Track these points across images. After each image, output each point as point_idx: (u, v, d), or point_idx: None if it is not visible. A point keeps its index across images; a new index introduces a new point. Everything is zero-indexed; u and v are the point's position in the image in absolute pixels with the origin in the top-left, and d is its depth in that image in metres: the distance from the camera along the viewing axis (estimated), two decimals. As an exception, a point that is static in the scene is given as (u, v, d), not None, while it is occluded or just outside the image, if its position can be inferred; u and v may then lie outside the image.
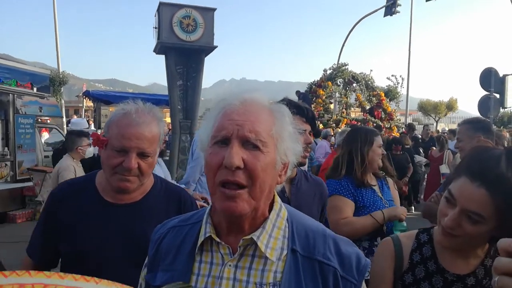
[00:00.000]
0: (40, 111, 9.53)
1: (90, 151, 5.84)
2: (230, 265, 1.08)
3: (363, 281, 1.10)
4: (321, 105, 15.74)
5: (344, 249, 1.11)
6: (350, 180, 2.78)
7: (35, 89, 9.74)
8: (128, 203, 1.75)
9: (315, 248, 1.10)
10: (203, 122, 1.16)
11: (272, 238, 1.09)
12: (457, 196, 1.32)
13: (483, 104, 12.85)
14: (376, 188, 2.87)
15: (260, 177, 1.02)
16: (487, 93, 12.74)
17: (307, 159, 2.13)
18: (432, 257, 1.45)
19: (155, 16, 7.25)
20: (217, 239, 1.10)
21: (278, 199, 1.17)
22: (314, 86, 16.41)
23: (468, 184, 1.30)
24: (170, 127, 8.45)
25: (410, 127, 13.08)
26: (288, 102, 2.11)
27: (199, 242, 1.13)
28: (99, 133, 1.75)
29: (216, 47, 7.33)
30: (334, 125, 14.96)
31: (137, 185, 1.71)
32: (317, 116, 15.09)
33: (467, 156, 1.44)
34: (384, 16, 22.22)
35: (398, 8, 21.30)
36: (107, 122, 1.73)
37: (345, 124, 14.90)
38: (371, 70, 16.90)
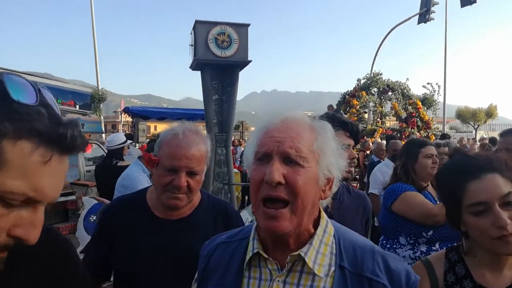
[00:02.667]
0: (83, 127, 9.90)
1: None
2: (278, 281, 1.10)
3: None
4: (355, 115, 15.56)
5: (393, 265, 1.11)
6: (410, 185, 2.94)
7: (77, 106, 10.13)
8: (178, 219, 1.83)
9: (363, 264, 1.10)
10: (248, 141, 1.22)
11: (320, 254, 1.11)
12: (486, 197, 1.30)
13: (526, 111, 12.30)
14: (436, 197, 2.93)
15: (302, 192, 1.04)
16: (530, 99, 12.21)
17: (350, 174, 2.13)
18: (467, 275, 1.42)
19: (191, 34, 7.43)
20: (265, 255, 1.12)
21: (324, 215, 1.18)
22: (347, 96, 16.26)
23: (480, 181, 1.31)
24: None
25: (444, 138, 12.57)
26: (332, 117, 2.12)
27: (247, 258, 1.16)
28: (151, 154, 1.83)
29: (250, 61, 7.43)
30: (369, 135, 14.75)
31: (186, 202, 1.78)
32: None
33: (445, 168, 1.50)
34: (418, 24, 21.84)
35: (432, 15, 20.90)
36: (157, 142, 1.82)
37: (380, 133, 14.65)
38: (407, 79, 16.59)
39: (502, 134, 3.43)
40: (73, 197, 9.10)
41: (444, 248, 2.75)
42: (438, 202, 2.88)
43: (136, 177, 4.59)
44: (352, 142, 2.11)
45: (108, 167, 6.45)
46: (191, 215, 1.87)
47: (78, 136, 0.84)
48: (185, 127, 1.78)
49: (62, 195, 9.24)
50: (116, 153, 6.46)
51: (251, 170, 1.11)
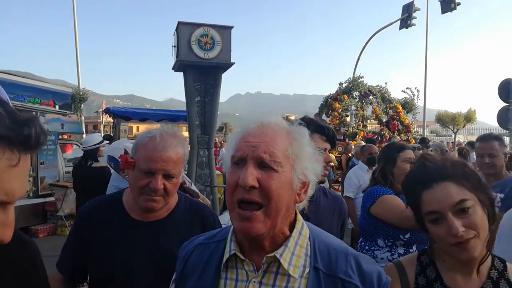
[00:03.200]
0: (62, 128, 9.76)
1: None
2: (254, 282, 1.12)
3: None
4: (337, 118, 15.71)
5: (366, 266, 1.14)
6: (388, 189, 2.99)
7: (57, 106, 9.99)
8: (154, 220, 1.83)
9: (337, 266, 1.13)
10: (227, 144, 1.25)
11: (295, 256, 1.13)
12: (438, 206, 1.33)
13: (503, 116, 12.64)
14: None
15: (275, 196, 1.06)
16: (506, 104, 12.55)
17: (326, 177, 2.16)
18: (438, 278, 1.44)
19: (174, 35, 7.41)
20: (242, 256, 1.15)
21: (300, 218, 1.21)
22: (329, 100, 16.41)
23: (431, 191, 1.35)
24: (188, 142, 8.59)
25: (423, 142, 12.74)
26: (308, 121, 2.15)
27: (224, 259, 1.18)
28: (127, 156, 1.83)
29: (233, 63, 7.44)
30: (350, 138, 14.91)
31: (162, 205, 1.78)
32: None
33: (406, 178, 1.52)
34: (400, 29, 22.16)
35: (413, 21, 21.24)
36: (134, 145, 1.82)
37: (361, 136, 14.83)
38: (385, 83, 16.86)
39: (481, 139, 3.49)
40: (52, 199, 8.97)
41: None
42: None
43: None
44: (328, 146, 2.14)
45: (83, 168, 6.38)
46: (167, 217, 1.87)
47: (41, 133, 0.82)
48: (163, 130, 1.78)
49: (41, 196, 9.11)
50: (91, 154, 6.38)
51: (227, 174, 1.14)
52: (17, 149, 0.79)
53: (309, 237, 1.18)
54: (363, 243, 3.07)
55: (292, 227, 1.17)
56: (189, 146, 7.24)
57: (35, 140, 0.80)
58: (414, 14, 21.17)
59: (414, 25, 21.43)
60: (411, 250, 2.83)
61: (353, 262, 1.14)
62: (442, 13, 20.11)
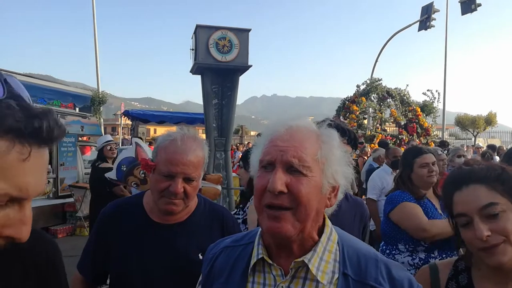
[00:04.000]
0: (82, 130, 9.92)
1: None
2: (282, 287, 1.10)
3: None
4: (355, 121, 15.59)
5: (396, 273, 1.11)
6: (409, 194, 2.96)
7: (77, 109, 10.16)
8: (174, 223, 1.83)
9: (367, 272, 1.10)
10: (254, 148, 1.22)
11: (323, 262, 1.11)
12: (465, 209, 1.30)
13: (526, 119, 12.29)
14: (437, 204, 2.96)
15: (305, 200, 1.05)
16: (529, 107, 12.22)
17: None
18: (468, 286, 1.40)
19: (192, 38, 7.46)
20: (269, 261, 1.13)
21: (329, 223, 1.19)
22: (347, 102, 16.30)
23: (461, 193, 1.32)
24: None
25: (442, 145, 12.47)
26: (329, 124, 2.13)
27: (251, 263, 1.17)
28: (148, 159, 1.84)
29: (250, 66, 7.45)
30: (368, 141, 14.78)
31: (182, 208, 1.78)
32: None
33: (444, 182, 1.47)
34: (419, 31, 21.91)
35: (432, 22, 20.97)
36: (155, 148, 1.83)
37: (379, 139, 14.68)
38: (407, 85, 16.66)
39: None
40: (71, 200, 9.11)
41: (444, 255, 2.79)
42: (439, 213, 2.91)
43: None
44: (349, 149, 2.12)
45: (93, 169, 6.48)
46: (187, 220, 1.87)
47: (55, 126, 0.80)
48: (183, 133, 1.79)
49: (60, 197, 9.27)
50: (99, 154, 6.45)
51: (255, 177, 1.13)
52: (28, 142, 0.76)
53: (337, 242, 1.16)
54: (384, 247, 3.04)
55: (320, 232, 1.16)
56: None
57: (47, 133, 0.78)
58: (433, 16, 20.91)
59: (434, 26, 21.15)
60: (432, 255, 2.79)
61: (384, 269, 1.12)
62: (462, 14, 19.84)
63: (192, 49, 7.33)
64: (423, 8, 21.40)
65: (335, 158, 1.12)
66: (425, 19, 21.05)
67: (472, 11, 19.22)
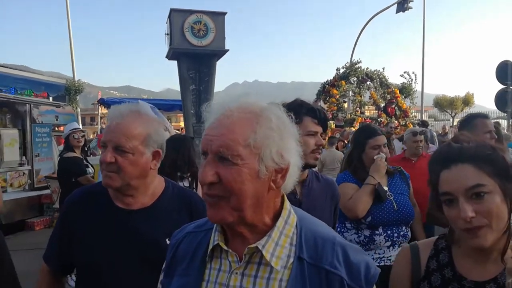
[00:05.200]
0: (57, 119, 9.70)
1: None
2: (236, 273, 1.08)
3: None
4: (335, 104, 15.63)
5: (353, 257, 1.08)
6: (351, 176, 2.97)
7: (51, 98, 9.92)
8: (138, 209, 1.77)
9: (322, 256, 1.07)
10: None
11: (279, 246, 1.08)
12: (451, 188, 1.28)
13: (501, 98, 12.60)
14: (383, 181, 2.94)
15: (236, 190, 1.01)
16: (504, 86, 12.49)
17: (317, 161, 2.10)
18: (449, 264, 1.39)
19: (166, 22, 7.32)
20: (225, 247, 1.11)
21: (287, 205, 1.15)
22: (327, 86, 16.31)
23: (448, 172, 1.29)
24: (184, 131, 8.53)
25: (424, 125, 12.84)
26: (300, 104, 2.09)
27: (209, 249, 1.14)
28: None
29: (227, 50, 7.35)
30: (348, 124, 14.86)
31: (120, 184, 1.68)
32: (331, 116, 15.03)
33: (430, 158, 1.44)
34: (396, 13, 21.97)
35: (410, 4, 21.06)
36: None
37: (359, 122, 14.76)
38: (383, 68, 16.73)
39: (474, 120, 3.38)
40: (47, 191, 8.94)
41: (389, 231, 2.82)
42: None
43: None
44: (320, 129, 2.07)
45: (59, 159, 6.23)
46: (153, 205, 1.80)
47: None
48: (128, 106, 1.74)
49: (37, 189, 9.08)
50: (65, 143, 6.11)
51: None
52: None
53: (296, 226, 1.13)
54: (337, 225, 3.03)
55: (278, 215, 1.12)
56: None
57: None
58: (410, -2, 20.98)
59: (411, 8, 21.24)
60: (377, 232, 2.81)
61: (340, 252, 1.08)
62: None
63: (167, 34, 7.20)
64: (400, -11, 21.45)
65: (275, 139, 1.05)
66: (403, 1, 21.11)
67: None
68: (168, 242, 1.62)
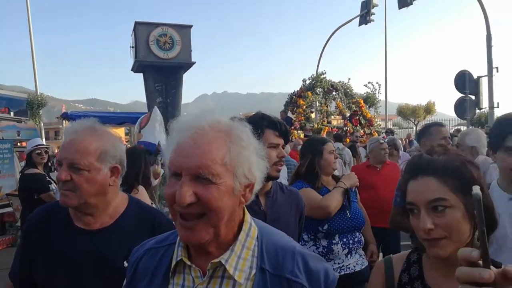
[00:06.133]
0: (18, 135, 9.40)
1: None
2: None
3: None
4: (302, 115, 15.86)
5: (313, 265, 1.12)
6: (306, 184, 3.08)
7: (12, 113, 9.61)
8: (98, 229, 1.71)
9: (284, 265, 1.10)
10: (166, 146, 1.15)
11: (241, 259, 1.10)
12: (414, 199, 1.32)
13: (460, 106, 13.14)
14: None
15: (215, 207, 1.02)
16: (462, 95, 13.03)
17: (280, 173, 2.15)
18: (419, 277, 1.42)
19: (131, 35, 7.27)
20: (188, 263, 1.11)
21: (248, 218, 1.18)
22: (294, 97, 16.54)
23: (414, 182, 1.33)
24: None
25: (390, 132, 13.30)
26: (261, 117, 2.13)
27: (172, 265, 1.14)
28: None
29: (194, 63, 7.37)
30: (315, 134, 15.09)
31: (77, 202, 1.63)
32: (298, 126, 15.23)
33: (405, 166, 1.47)
34: (359, 25, 22.60)
35: (372, 17, 21.69)
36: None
37: (326, 132, 15.02)
38: (349, 79, 17.16)
39: (430, 129, 3.56)
40: (10, 209, 8.59)
41: (345, 239, 2.92)
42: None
43: None
44: (281, 141, 2.11)
45: (20, 176, 6.03)
46: (113, 225, 1.74)
47: None
48: (83, 124, 1.69)
49: (-2, 207, 8.73)
50: (27, 159, 5.94)
51: (166, 184, 1.08)
52: None
53: (257, 238, 1.15)
54: None
55: (239, 229, 1.14)
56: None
57: None
58: (372, 10, 21.62)
59: (373, 21, 21.88)
60: (334, 241, 2.91)
61: (300, 261, 1.12)
62: (399, 8, 20.64)
63: (132, 47, 7.14)
64: (362, 3, 22.05)
65: (246, 156, 1.08)
66: (365, 14, 21.73)
67: (408, 5, 20.04)
68: (126, 264, 1.56)
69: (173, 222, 1.10)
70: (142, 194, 3.42)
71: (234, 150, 1.06)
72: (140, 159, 3.68)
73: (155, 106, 4.90)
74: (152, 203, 3.72)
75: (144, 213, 1.83)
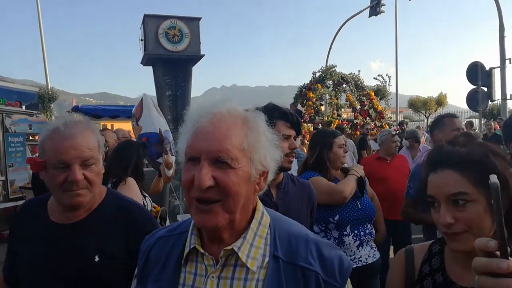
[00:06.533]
0: (30, 128, 9.49)
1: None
2: (213, 277, 1.09)
3: (346, 283, 1.11)
4: (312, 108, 15.78)
5: (327, 252, 1.11)
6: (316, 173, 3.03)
7: (23, 107, 9.70)
8: (73, 222, 1.67)
9: (297, 253, 1.10)
10: (180, 136, 1.15)
11: (254, 247, 1.10)
12: (434, 192, 1.29)
13: (472, 98, 12.98)
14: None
15: (233, 192, 1.03)
16: (474, 87, 12.86)
17: (291, 164, 2.14)
18: (440, 269, 1.39)
19: (140, 28, 7.27)
20: (201, 250, 1.11)
21: (260, 207, 1.18)
22: (304, 90, 16.46)
23: (434, 175, 1.29)
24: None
25: (401, 124, 13.19)
26: (272, 108, 2.12)
27: (185, 253, 1.14)
28: (35, 157, 1.67)
29: (203, 55, 7.35)
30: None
31: (90, 197, 1.65)
32: (308, 119, 15.17)
33: (425, 158, 1.43)
34: (369, 17, 22.37)
35: (382, 8, 21.45)
36: (39, 143, 1.65)
37: (336, 125, 14.93)
38: (359, 71, 17.01)
39: (443, 120, 3.50)
40: (23, 202, 8.70)
41: (356, 231, 2.90)
42: None
43: None
44: (293, 133, 2.10)
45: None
46: (87, 218, 1.69)
47: None
48: (65, 120, 1.65)
49: (12, 200, 8.84)
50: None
51: (182, 169, 1.09)
52: None
53: (269, 226, 1.15)
54: None
55: (252, 217, 1.14)
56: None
57: None
58: (382, 1, 21.38)
59: (383, 12, 21.64)
60: (345, 232, 2.89)
61: (314, 248, 1.11)
62: (410, -1, 20.40)
63: (141, 40, 7.14)
64: (372, -7, 21.84)
65: (263, 143, 1.10)
66: (375, 5, 21.50)
67: (419, -4, 19.80)
68: (97, 258, 1.59)
69: (188, 209, 1.10)
70: (129, 187, 3.42)
71: (251, 136, 1.07)
72: (130, 152, 3.69)
73: (144, 93, 4.75)
74: (145, 196, 3.75)
75: (119, 207, 1.77)
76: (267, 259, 1.09)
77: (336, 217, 2.87)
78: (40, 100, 13.11)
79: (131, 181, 3.51)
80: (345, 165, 3.25)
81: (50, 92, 15.25)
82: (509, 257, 0.76)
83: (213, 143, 1.02)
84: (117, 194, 1.88)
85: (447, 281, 1.36)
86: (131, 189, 3.39)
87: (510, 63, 14.37)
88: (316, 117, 15.62)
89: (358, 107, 16.57)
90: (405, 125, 13.34)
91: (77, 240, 1.64)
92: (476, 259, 0.80)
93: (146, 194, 3.85)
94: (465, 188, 1.22)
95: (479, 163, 1.24)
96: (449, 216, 1.23)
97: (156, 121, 5.38)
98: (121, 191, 3.38)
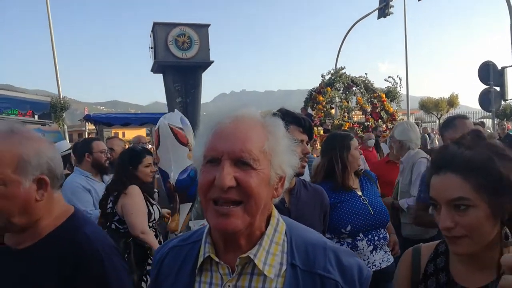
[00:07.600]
0: (43, 138, 9.63)
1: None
2: (229, 286, 1.07)
3: None
4: (322, 111, 15.73)
5: (345, 260, 1.10)
6: (327, 184, 2.87)
7: (36, 116, 9.83)
8: (21, 248, 1.47)
9: (315, 261, 1.08)
10: (196, 140, 1.15)
11: (270, 255, 1.08)
12: (436, 195, 1.28)
13: (484, 98, 12.81)
14: (357, 189, 3.01)
15: (255, 194, 1.02)
16: (487, 86, 12.71)
17: (304, 169, 2.13)
18: (444, 269, 1.39)
19: (150, 36, 7.33)
20: (216, 259, 1.09)
21: (275, 213, 1.16)
22: (314, 93, 16.42)
23: (437, 178, 1.28)
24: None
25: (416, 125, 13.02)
26: (285, 113, 2.11)
27: (199, 262, 1.13)
28: None
29: (212, 62, 7.38)
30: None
31: (23, 224, 1.42)
32: (319, 123, 15.11)
33: (431, 159, 1.43)
34: (378, 19, 22.27)
35: (391, 10, 21.34)
36: None
37: (347, 128, 14.85)
38: (366, 73, 16.94)
39: (454, 121, 3.43)
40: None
41: (369, 236, 2.86)
42: (364, 203, 2.95)
43: (74, 189, 3.95)
44: (305, 138, 2.10)
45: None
46: (29, 248, 1.45)
47: None
48: (2, 124, 1.44)
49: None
50: (66, 162, 5.93)
51: (200, 172, 1.08)
52: None
53: (285, 233, 1.14)
54: None
55: (267, 223, 1.13)
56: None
57: None
58: (391, 3, 21.28)
59: (392, 13, 21.53)
60: (358, 238, 2.85)
61: (332, 257, 1.10)
62: (419, 0, 20.25)
63: (151, 48, 7.20)
64: (381, -5, 21.76)
65: (282, 148, 1.10)
66: (384, 7, 21.39)
67: (428, -4, 19.66)
68: None
69: (204, 214, 1.08)
70: (131, 196, 3.35)
71: (271, 140, 1.07)
72: (124, 160, 3.61)
73: (161, 118, 4.40)
74: (152, 204, 3.63)
75: (73, 242, 1.45)
76: (284, 267, 1.08)
77: (348, 228, 2.82)
78: (53, 109, 13.26)
79: (133, 189, 3.39)
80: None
81: (62, 102, 15.41)
82: None
83: (236, 143, 1.02)
84: (86, 219, 1.63)
85: (450, 281, 1.36)
86: (133, 199, 3.31)
87: (522, 61, 14.16)
88: (327, 120, 15.57)
89: (369, 109, 16.47)
90: (419, 127, 13.20)
91: (17, 269, 1.45)
92: (505, 277, 0.80)
93: (154, 202, 3.75)
94: (466, 194, 1.22)
95: (483, 168, 1.22)
96: (449, 220, 1.23)
97: (168, 159, 4.47)
98: (124, 202, 3.32)
